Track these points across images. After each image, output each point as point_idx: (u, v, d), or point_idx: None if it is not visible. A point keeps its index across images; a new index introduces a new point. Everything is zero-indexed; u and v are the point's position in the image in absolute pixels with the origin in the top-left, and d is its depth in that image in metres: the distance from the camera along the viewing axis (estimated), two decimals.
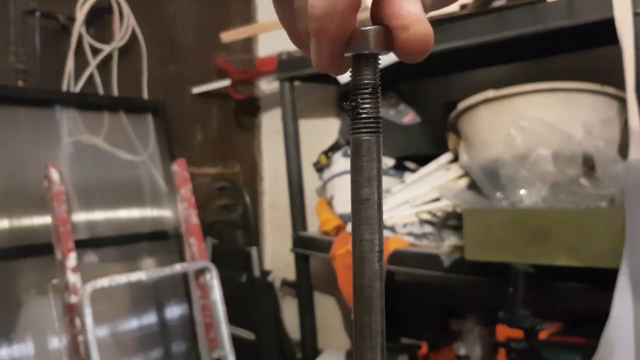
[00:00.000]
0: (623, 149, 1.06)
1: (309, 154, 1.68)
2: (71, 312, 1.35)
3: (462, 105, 1.26)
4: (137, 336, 1.58)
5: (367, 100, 0.30)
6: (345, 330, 1.94)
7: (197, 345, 1.65)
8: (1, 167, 1.45)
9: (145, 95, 1.83)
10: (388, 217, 1.39)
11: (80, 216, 1.54)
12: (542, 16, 1.07)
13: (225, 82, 2.00)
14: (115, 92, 1.76)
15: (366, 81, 0.30)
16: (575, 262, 0.95)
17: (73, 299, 1.34)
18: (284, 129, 1.70)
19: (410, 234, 1.36)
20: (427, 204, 1.38)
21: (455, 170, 1.38)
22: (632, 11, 0.94)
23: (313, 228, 1.72)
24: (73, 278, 1.35)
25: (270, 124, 2.17)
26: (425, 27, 0.28)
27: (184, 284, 1.68)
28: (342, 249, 1.42)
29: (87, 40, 1.69)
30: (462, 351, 1.33)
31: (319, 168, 1.64)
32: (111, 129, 1.67)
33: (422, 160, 1.49)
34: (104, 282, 1.37)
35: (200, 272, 1.59)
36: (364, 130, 0.30)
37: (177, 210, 1.69)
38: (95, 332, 1.31)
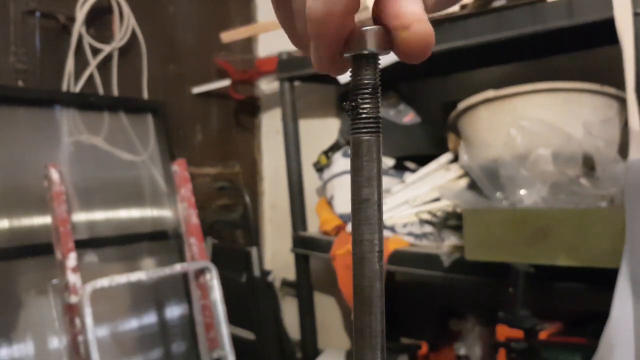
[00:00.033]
0: (623, 149, 1.06)
1: (309, 154, 1.68)
2: (71, 312, 1.35)
3: (462, 105, 1.26)
4: (137, 336, 1.58)
5: (367, 100, 0.30)
6: (345, 330, 1.94)
7: (197, 345, 1.65)
8: (1, 167, 1.45)
9: (145, 95, 1.83)
10: (388, 217, 1.39)
11: (80, 216, 1.54)
12: (542, 16, 1.07)
13: (225, 82, 2.00)
14: (115, 92, 1.76)
15: (366, 81, 0.30)
16: (575, 262, 0.95)
17: (73, 299, 1.34)
18: (284, 129, 1.70)
19: (410, 234, 1.36)
20: (427, 204, 1.38)
21: (455, 170, 1.38)
22: (632, 11, 0.94)
23: (313, 228, 1.72)
24: (73, 278, 1.35)
25: (270, 124, 2.17)
26: (426, 27, 0.28)
27: (184, 284, 1.68)
28: (342, 249, 1.42)
29: (87, 40, 1.69)
30: (462, 351, 1.33)
31: (319, 168, 1.64)
32: (111, 129, 1.67)
33: (422, 160, 1.49)
34: (104, 282, 1.37)
35: (200, 272, 1.59)
36: (364, 130, 0.30)
37: (177, 210, 1.69)
38: (95, 332, 1.31)
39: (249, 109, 2.18)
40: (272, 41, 1.99)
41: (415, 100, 1.66)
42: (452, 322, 1.43)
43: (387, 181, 1.49)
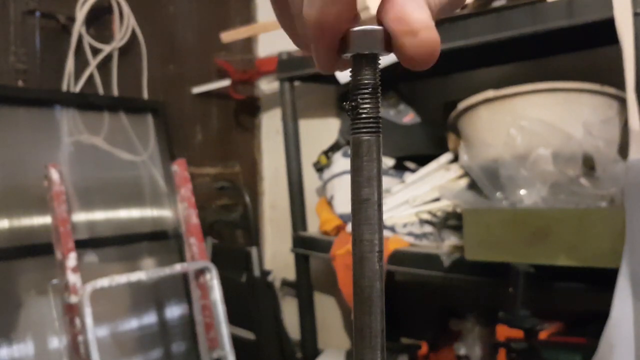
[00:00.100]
0: (623, 149, 1.06)
1: (309, 154, 1.68)
2: (71, 312, 1.35)
3: (462, 105, 1.26)
4: (137, 336, 1.58)
5: (367, 100, 0.30)
6: (345, 330, 1.94)
7: (197, 345, 1.65)
8: (1, 167, 1.45)
9: (145, 95, 1.83)
10: (388, 217, 1.39)
11: (80, 216, 1.54)
12: (542, 16, 1.07)
13: (225, 82, 2.00)
14: (115, 92, 1.76)
15: (366, 81, 0.30)
16: (575, 262, 0.95)
17: (73, 299, 1.34)
18: (284, 129, 1.70)
19: (410, 234, 1.36)
20: (427, 204, 1.38)
21: (455, 170, 1.38)
22: (632, 11, 0.94)
23: (313, 228, 1.72)
24: (73, 278, 1.35)
25: (270, 124, 2.17)
26: (433, 34, 0.28)
27: (184, 284, 1.68)
28: (342, 249, 1.42)
29: (87, 40, 1.69)
30: (462, 351, 1.33)
31: (319, 168, 1.64)
32: (111, 129, 1.67)
33: (422, 160, 1.49)
34: (104, 282, 1.37)
35: (200, 272, 1.59)
36: (364, 130, 0.30)
37: (177, 210, 1.69)
38: (95, 332, 1.31)
39: (249, 109, 2.18)
40: (272, 41, 1.99)
41: (415, 100, 1.66)
42: (452, 322, 1.43)
43: (387, 181, 1.49)
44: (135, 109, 1.77)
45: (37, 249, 1.44)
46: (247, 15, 2.15)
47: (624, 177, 0.93)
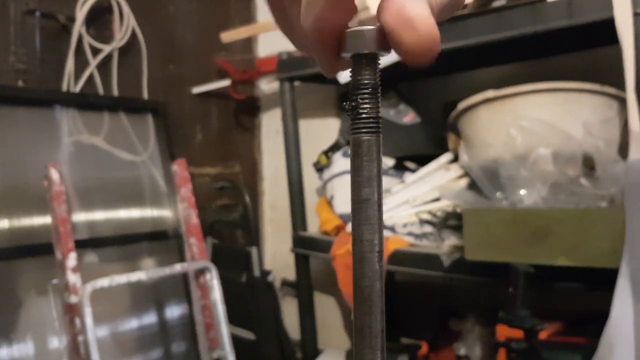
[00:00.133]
0: (623, 149, 1.06)
1: (309, 154, 1.68)
2: (71, 312, 1.35)
3: (462, 105, 1.26)
4: (137, 336, 1.59)
5: (367, 100, 0.30)
6: (345, 330, 1.94)
7: (197, 345, 1.65)
8: (1, 167, 1.45)
9: (145, 95, 1.83)
10: (388, 217, 1.39)
11: (80, 216, 1.54)
12: (542, 16, 1.07)
13: (225, 82, 2.00)
14: (115, 92, 1.76)
15: (366, 81, 0.30)
16: (575, 262, 0.95)
17: (73, 299, 1.34)
18: (284, 129, 1.70)
19: (410, 234, 1.36)
20: (427, 204, 1.38)
21: (455, 170, 1.38)
22: (632, 11, 0.94)
23: (313, 228, 1.72)
24: (73, 278, 1.35)
25: (270, 124, 2.17)
26: (432, 28, 0.28)
27: (184, 284, 1.68)
28: (342, 249, 1.42)
29: (87, 40, 1.69)
30: (462, 351, 1.33)
31: (319, 168, 1.64)
32: (111, 129, 1.67)
33: (422, 160, 1.49)
34: (104, 282, 1.37)
35: (200, 272, 1.59)
36: (364, 130, 0.30)
37: (177, 210, 1.69)
38: (95, 332, 1.31)
39: (249, 109, 2.18)
40: (272, 41, 1.99)
41: (415, 100, 1.66)
42: (452, 322, 1.43)
43: (387, 181, 1.49)
44: (135, 109, 1.77)
45: (37, 249, 1.44)
46: (247, 15, 2.15)
47: (624, 177, 0.93)
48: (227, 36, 1.87)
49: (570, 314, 1.21)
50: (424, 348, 1.44)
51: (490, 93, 1.19)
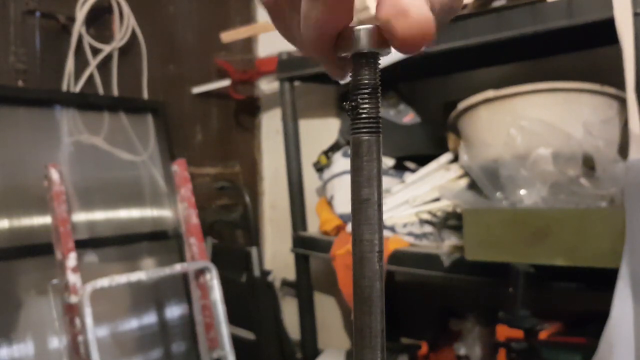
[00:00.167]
0: (623, 149, 1.06)
1: (309, 154, 1.68)
2: (71, 312, 1.35)
3: (462, 105, 1.26)
4: (137, 336, 1.59)
5: (367, 100, 0.30)
6: (345, 330, 1.94)
7: (197, 345, 1.65)
8: (1, 167, 1.45)
9: (145, 95, 1.83)
10: (388, 217, 1.39)
11: (80, 216, 1.54)
12: (542, 16, 1.07)
13: (225, 82, 2.00)
14: (115, 92, 1.76)
15: (366, 81, 0.30)
16: (575, 262, 0.95)
17: (73, 299, 1.34)
18: (284, 129, 1.70)
19: (410, 234, 1.36)
20: (427, 204, 1.38)
21: (455, 170, 1.38)
22: (632, 11, 0.94)
23: (313, 228, 1.72)
24: (73, 278, 1.35)
25: (270, 124, 2.17)
26: (424, 12, 0.27)
27: (184, 284, 1.68)
28: (342, 249, 1.42)
29: (87, 40, 1.69)
30: (462, 351, 1.33)
31: (319, 168, 1.64)
32: (111, 129, 1.67)
33: (422, 160, 1.49)
34: (104, 282, 1.37)
35: (200, 272, 1.59)
36: (364, 130, 0.30)
37: (177, 210, 1.69)
38: (95, 332, 1.31)
39: (249, 109, 2.18)
40: (272, 41, 1.99)
41: (415, 100, 1.66)
42: (452, 322, 1.43)
43: (387, 181, 1.49)
44: (135, 109, 1.77)
45: (37, 249, 1.44)
46: (247, 15, 2.15)
47: (624, 177, 0.93)
48: (227, 36, 1.87)
49: (570, 314, 1.21)
50: (424, 348, 1.44)
51: (490, 93, 1.19)
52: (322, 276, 1.84)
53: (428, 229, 1.34)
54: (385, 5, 0.28)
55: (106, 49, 1.73)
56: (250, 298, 1.77)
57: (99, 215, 1.60)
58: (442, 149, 1.45)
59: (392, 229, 1.38)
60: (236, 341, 1.60)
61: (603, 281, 0.92)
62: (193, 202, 1.65)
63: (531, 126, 1.11)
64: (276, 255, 2.13)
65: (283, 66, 1.66)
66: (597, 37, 1.19)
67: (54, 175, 1.41)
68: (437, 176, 1.40)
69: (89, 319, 1.31)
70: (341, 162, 1.59)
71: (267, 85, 2.15)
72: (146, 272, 1.50)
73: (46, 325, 1.40)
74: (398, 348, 1.53)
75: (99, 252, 1.56)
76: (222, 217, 2.02)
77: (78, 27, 1.66)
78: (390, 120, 1.57)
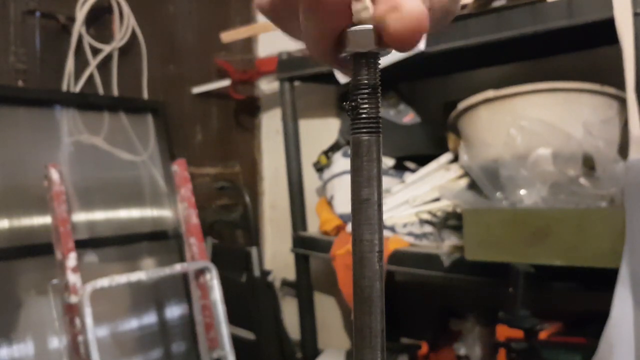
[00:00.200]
0: (623, 149, 1.06)
1: (309, 154, 1.68)
2: (71, 312, 1.35)
3: (462, 105, 1.26)
4: (137, 336, 1.59)
5: (367, 100, 0.30)
6: (345, 330, 1.94)
7: (197, 345, 1.65)
8: (1, 167, 1.45)
9: (145, 95, 1.83)
10: (388, 217, 1.39)
11: (80, 216, 1.54)
12: (542, 16, 1.07)
13: (225, 82, 2.00)
14: (115, 92, 1.76)
15: (366, 81, 0.30)
16: (575, 262, 0.95)
17: (73, 299, 1.34)
18: (284, 129, 1.70)
19: (410, 234, 1.36)
20: (427, 204, 1.38)
21: (455, 170, 1.38)
22: (632, 11, 0.94)
23: (313, 228, 1.72)
24: (73, 278, 1.35)
25: (270, 124, 2.17)
26: (417, 6, 0.27)
27: (184, 284, 1.68)
28: (342, 249, 1.42)
29: (87, 40, 1.69)
30: (462, 351, 1.33)
31: (319, 168, 1.64)
32: (111, 129, 1.67)
33: (422, 160, 1.49)
34: (104, 282, 1.37)
35: (200, 272, 1.59)
36: (364, 130, 0.30)
37: (177, 210, 1.69)
38: (95, 332, 1.31)
39: (249, 109, 2.18)
40: (272, 41, 1.99)
41: (415, 100, 1.66)
42: (452, 322, 1.43)
43: (387, 181, 1.49)
44: (135, 109, 1.77)
45: (37, 249, 1.44)
46: (247, 15, 2.15)
47: (624, 177, 0.93)
48: (227, 36, 1.87)
49: (570, 314, 1.21)
50: (424, 348, 1.44)
51: (490, 93, 1.19)
52: (322, 276, 1.84)
53: (428, 229, 1.34)
54: (380, 3, 0.28)
55: (106, 49, 1.73)
56: (250, 298, 1.77)
57: (99, 215, 1.60)
58: (442, 149, 1.45)
59: (392, 229, 1.38)
60: (236, 341, 1.60)
61: (603, 281, 0.91)
62: (193, 202, 1.65)
63: (531, 126, 1.11)
64: (276, 255, 2.13)
65: (283, 66, 1.66)
66: (597, 37, 1.19)
67: (54, 175, 1.41)
68: (437, 176, 1.40)
69: (89, 319, 1.31)
70: (341, 162, 1.59)
71: (267, 85, 2.15)
72: (146, 272, 1.50)
73: (46, 325, 1.40)
74: (398, 348, 1.53)
75: (99, 252, 1.56)
76: (222, 217, 2.02)
77: (78, 27, 1.66)
78: (390, 120, 1.57)
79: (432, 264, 1.23)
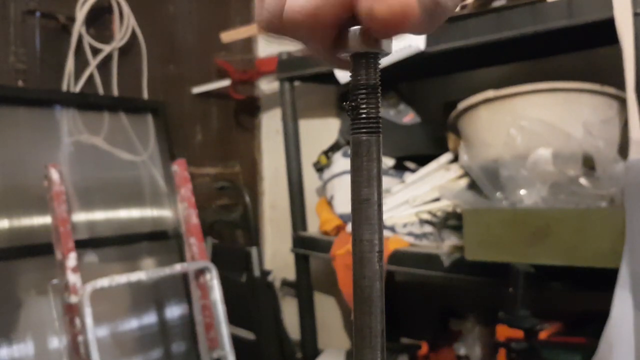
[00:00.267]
0: (623, 149, 1.06)
1: (309, 154, 1.68)
2: (71, 312, 1.35)
3: (462, 105, 1.26)
4: (137, 336, 1.58)
5: (367, 100, 0.30)
6: (345, 330, 1.94)
7: (197, 345, 1.65)
8: (1, 167, 1.45)
9: (145, 95, 1.83)
10: (388, 217, 1.39)
11: (80, 216, 1.54)
12: (542, 16, 1.07)
13: (225, 82, 2.00)
14: (115, 92, 1.76)
15: (366, 81, 0.30)
16: (575, 262, 0.95)
17: (73, 299, 1.34)
18: (284, 129, 1.70)
19: (410, 234, 1.36)
20: (427, 204, 1.38)
21: (455, 170, 1.38)
22: (632, 11, 0.94)
23: (313, 228, 1.72)
24: (73, 278, 1.35)
25: (270, 124, 2.17)
26: None
27: (184, 284, 1.68)
28: (342, 249, 1.42)
29: (87, 40, 1.69)
30: (462, 351, 1.33)
31: (319, 168, 1.64)
32: (111, 129, 1.67)
33: (422, 160, 1.49)
34: (104, 282, 1.37)
35: (200, 272, 1.59)
36: (364, 130, 0.30)
37: (177, 210, 1.69)
38: (95, 332, 1.31)
39: (249, 109, 2.18)
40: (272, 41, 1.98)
41: (415, 100, 1.66)
42: (452, 322, 1.43)
43: (387, 181, 1.49)
44: (135, 109, 1.77)
45: (37, 249, 1.44)
46: (247, 15, 2.15)
47: (624, 177, 0.93)
48: (227, 36, 1.87)
49: (570, 314, 1.21)
50: (424, 348, 1.44)
51: (490, 93, 1.19)
52: (322, 276, 1.84)
53: (428, 229, 1.34)
54: None
55: (106, 49, 1.73)
56: (250, 298, 1.77)
57: (99, 215, 1.60)
58: (442, 149, 1.45)
59: (392, 229, 1.38)
60: (236, 341, 1.60)
61: (603, 281, 0.92)
62: (193, 202, 1.65)
63: (531, 126, 1.11)
64: (276, 255, 2.13)
65: (283, 66, 1.66)
66: (597, 37, 1.19)
67: (54, 175, 1.41)
68: (437, 176, 1.40)
69: (89, 319, 1.31)
70: (341, 162, 1.59)
71: (267, 85, 2.15)
72: (146, 272, 1.50)
73: (46, 325, 1.40)
74: (398, 348, 1.53)
75: (99, 252, 1.56)
76: (222, 217, 2.02)
77: (78, 27, 1.66)
78: (390, 120, 1.57)
79: (432, 264, 1.23)
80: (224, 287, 1.58)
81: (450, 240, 1.23)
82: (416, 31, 0.30)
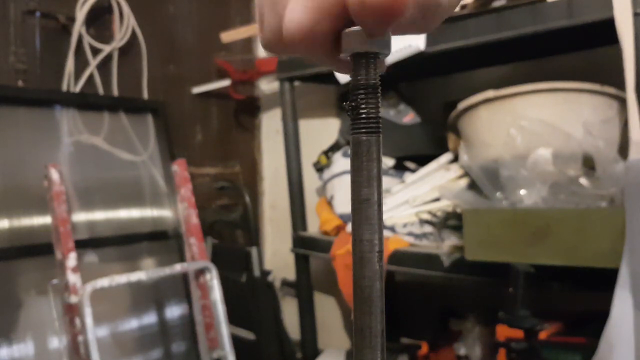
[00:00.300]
0: (623, 149, 1.06)
1: (309, 154, 1.68)
2: (71, 312, 1.35)
3: (462, 105, 1.26)
4: (137, 336, 1.59)
5: (367, 100, 0.30)
6: (345, 330, 1.94)
7: (197, 345, 1.65)
8: (1, 167, 1.45)
9: (145, 95, 1.83)
10: (388, 217, 1.39)
11: (80, 216, 1.54)
12: (542, 16, 1.07)
13: (225, 82, 2.00)
14: (115, 92, 1.76)
15: (366, 81, 0.30)
16: (575, 262, 0.95)
17: (73, 299, 1.34)
18: (284, 129, 1.70)
19: (410, 234, 1.36)
20: (427, 204, 1.38)
21: (455, 170, 1.38)
22: (632, 11, 0.94)
23: (313, 228, 1.72)
24: (73, 278, 1.35)
25: (270, 124, 2.17)
26: None
27: (184, 284, 1.68)
28: (342, 249, 1.42)
29: (87, 40, 1.69)
30: (462, 351, 1.33)
31: (319, 168, 1.64)
32: (111, 129, 1.67)
33: (422, 160, 1.50)
34: (104, 282, 1.37)
35: (200, 272, 1.59)
36: (364, 130, 0.30)
37: (177, 210, 1.69)
38: (95, 332, 1.31)
39: (249, 109, 2.18)
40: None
41: (415, 100, 1.66)
42: (452, 322, 1.43)
43: (387, 181, 1.49)
44: (135, 109, 1.77)
45: (37, 249, 1.44)
46: (247, 15, 2.15)
47: (624, 177, 0.93)
48: (227, 36, 1.87)
49: (570, 314, 1.21)
50: (424, 348, 1.44)
51: (490, 93, 1.19)
52: (322, 276, 1.84)
53: (428, 229, 1.34)
54: None
55: (106, 49, 1.73)
56: (250, 298, 1.77)
57: (99, 215, 1.60)
58: (442, 149, 1.45)
59: (392, 229, 1.38)
60: (236, 341, 1.60)
61: (603, 281, 0.92)
62: (193, 202, 1.65)
63: (531, 126, 1.11)
64: (276, 255, 2.13)
65: (283, 66, 1.66)
66: (597, 37, 1.19)
67: (54, 175, 1.41)
68: (437, 176, 1.40)
69: (89, 319, 1.31)
70: (341, 162, 1.59)
71: (267, 85, 2.15)
72: (146, 272, 1.50)
73: (46, 325, 1.40)
74: (398, 348, 1.53)
75: (99, 252, 1.56)
76: (222, 217, 2.02)
77: (78, 27, 1.66)
78: (390, 120, 1.57)
79: (432, 264, 1.23)
80: (224, 287, 1.58)
81: (450, 240, 1.23)
82: (412, 28, 0.30)
